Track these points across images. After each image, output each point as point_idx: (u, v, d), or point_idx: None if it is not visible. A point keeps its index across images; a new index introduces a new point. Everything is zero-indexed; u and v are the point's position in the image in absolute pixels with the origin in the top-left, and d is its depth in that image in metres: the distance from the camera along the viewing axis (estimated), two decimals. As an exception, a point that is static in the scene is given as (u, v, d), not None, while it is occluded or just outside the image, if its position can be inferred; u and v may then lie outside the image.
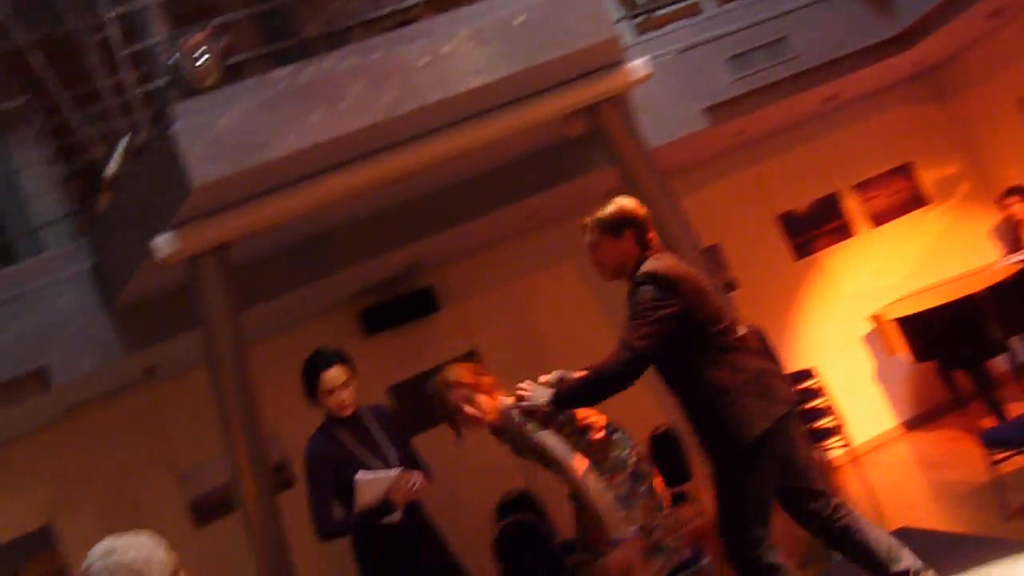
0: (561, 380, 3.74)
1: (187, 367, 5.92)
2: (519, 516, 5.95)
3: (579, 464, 3.63)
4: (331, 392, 4.00)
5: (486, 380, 3.83)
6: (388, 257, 5.68)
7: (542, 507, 6.50)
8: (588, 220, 3.71)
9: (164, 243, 4.19)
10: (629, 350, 3.40)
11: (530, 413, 3.68)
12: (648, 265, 3.54)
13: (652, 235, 3.68)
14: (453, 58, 4.27)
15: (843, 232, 7.52)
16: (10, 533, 5.98)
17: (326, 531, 4.00)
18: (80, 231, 5.72)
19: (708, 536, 5.63)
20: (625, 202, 3.70)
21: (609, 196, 6.95)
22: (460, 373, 3.80)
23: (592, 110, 4.80)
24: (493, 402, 3.79)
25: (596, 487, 3.60)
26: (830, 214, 7.51)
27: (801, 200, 7.50)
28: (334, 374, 4.02)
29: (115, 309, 5.07)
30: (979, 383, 5.75)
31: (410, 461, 4.14)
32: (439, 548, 4.23)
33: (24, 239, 5.94)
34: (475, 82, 4.30)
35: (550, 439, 3.69)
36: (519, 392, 3.63)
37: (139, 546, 2.43)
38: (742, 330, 3.71)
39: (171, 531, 3.10)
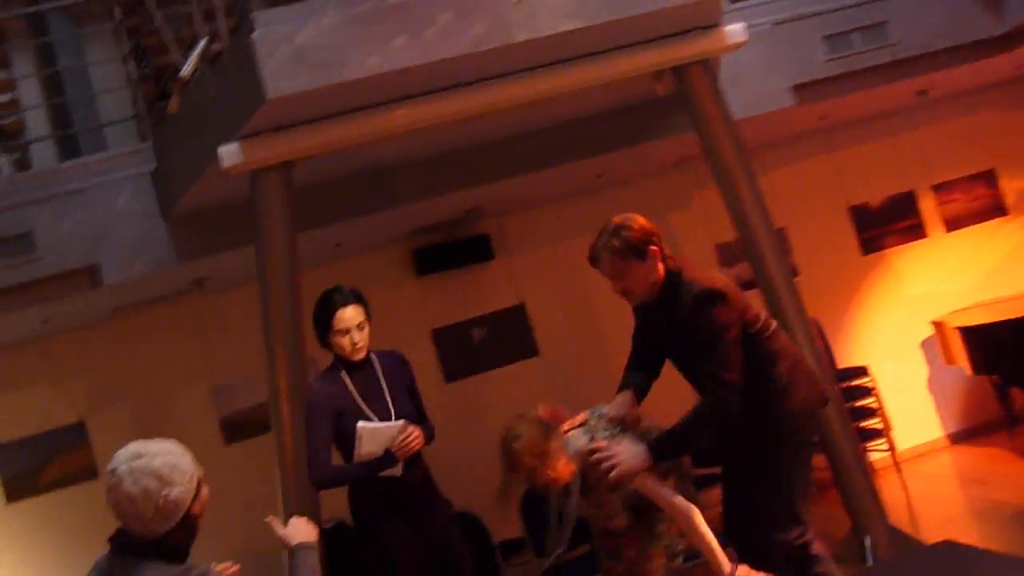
0: (637, 423, 3.43)
1: (236, 283, 5.88)
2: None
3: (683, 503, 3.30)
4: (345, 332, 3.84)
5: (554, 444, 3.34)
6: (450, 197, 5.57)
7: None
8: (600, 248, 3.38)
9: (230, 153, 4.11)
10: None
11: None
12: (697, 282, 3.33)
13: (667, 247, 3.46)
14: (547, -2, 4.11)
15: (915, 232, 7.27)
16: (45, 425, 6.02)
17: (322, 479, 3.88)
18: (145, 134, 5.68)
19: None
20: (638, 219, 3.42)
21: (679, 166, 6.82)
22: (534, 438, 3.29)
23: (681, 71, 4.62)
24: (569, 465, 3.35)
25: (703, 524, 3.35)
26: (904, 212, 7.27)
27: (876, 194, 7.26)
28: (350, 314, 3.86)
29: (172, 216, 5.02)
30: (1040, 404, 5.55)
31: (417, 415, 4.01)
32: (438, 507, 4.10)
33: (89, 135, 5.91)
34: (566, 26, 4.14)
35: (652, 484, 3.32)
36: (605, 464, 3.26)
37: (166, 453, 2.38)
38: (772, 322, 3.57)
39: (200, 444, 3.04)
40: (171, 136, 4.94)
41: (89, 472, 5.99)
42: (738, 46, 4.66)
